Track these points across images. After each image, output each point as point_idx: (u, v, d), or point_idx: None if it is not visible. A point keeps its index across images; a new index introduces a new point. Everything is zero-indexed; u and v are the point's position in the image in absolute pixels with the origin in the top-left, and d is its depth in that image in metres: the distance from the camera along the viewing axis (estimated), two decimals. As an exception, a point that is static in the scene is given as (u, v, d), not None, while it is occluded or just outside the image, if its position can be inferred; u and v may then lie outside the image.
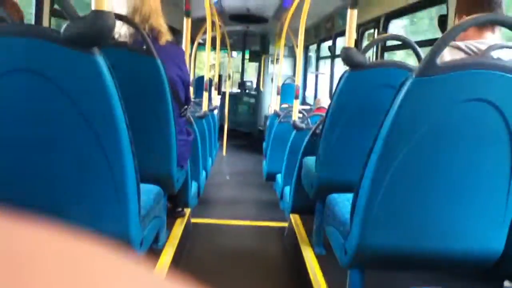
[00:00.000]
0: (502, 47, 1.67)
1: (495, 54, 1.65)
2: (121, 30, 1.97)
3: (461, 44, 1.72)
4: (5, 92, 1.17)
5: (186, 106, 2.37)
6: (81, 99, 1.17)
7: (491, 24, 1.72)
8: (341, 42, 5.70)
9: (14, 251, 0.15)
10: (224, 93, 8.36)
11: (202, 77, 6.21)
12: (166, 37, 2.08)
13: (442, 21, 2.35)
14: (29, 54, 1.15)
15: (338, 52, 5.79)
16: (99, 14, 1.12)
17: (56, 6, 2.63)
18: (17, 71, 1.15)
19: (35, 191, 1.28)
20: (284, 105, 5.62)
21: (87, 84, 1.17)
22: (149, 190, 1.75)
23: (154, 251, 2.25)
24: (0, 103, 1.18)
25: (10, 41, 1.14)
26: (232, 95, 9.04)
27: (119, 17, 1.84)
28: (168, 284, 0.17)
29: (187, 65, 2.46)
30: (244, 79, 10.03)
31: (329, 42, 6.09)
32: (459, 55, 1.68)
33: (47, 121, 1.21)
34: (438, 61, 1.19)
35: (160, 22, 2.10)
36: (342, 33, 5.45)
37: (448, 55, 1.68)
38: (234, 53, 9.98)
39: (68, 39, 1.12)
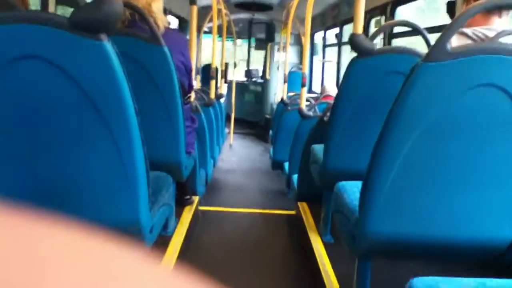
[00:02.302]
0: (510, 33, 1.66)
1: (503, 40, 1.64)
2: None
3: (468, 30, 1.70)
4: (13, 79, 1.17)
5: (189, 94, 2.37)
6: (89, 86, 1.17)
7: (498, 9, 1.71)
8: (347, 30, 5.66)
9: (23, 245, 0.15)
10: (230, 81, 8.35)
11: (208, 65, 6.20)
12: (164, 23, 2.06)
13: (451, 7, 2.32)
14: (37, 40, 1.15)
15: (344, 39, 5.76)
16: (106, 0, 1.12)
17: None
18: (25, 57, 1.15)
19: (44, 178, 1.29)
20: (291, 93, 5.60)
21: (96, 71, 1.17)
22: (158, 177, 1.76)
23: (163, 239, 2.27)
24: (8, 90, 1.19)
25: (18, 28, 1.14)
26: (238, 84, 9.02)
27: (126, 4, 1.84)
28: (176, 279, 0.17)
29: (194, 53, 2.46)
30: (250, 68, 10.00)
31: (336, 30, 6.05)
32: (466, 42, 1.67)
33: (56, 107, 1.21)
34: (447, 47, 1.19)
35: (160, 8, 2.09)
36: (348, 21, 5.41)
37: (455, 41, 1.67)
38: (239, 41, 9.94)
39: (75, 25, 1.12)
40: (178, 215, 2.61)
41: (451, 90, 1.19)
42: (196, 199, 2.96)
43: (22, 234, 0.16)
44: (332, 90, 4.64)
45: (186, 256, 2.38)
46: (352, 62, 1.97)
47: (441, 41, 1.17)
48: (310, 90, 7.25)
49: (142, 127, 1.28)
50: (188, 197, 2.86)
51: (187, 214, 2.70)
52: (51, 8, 2.65)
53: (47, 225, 0.17)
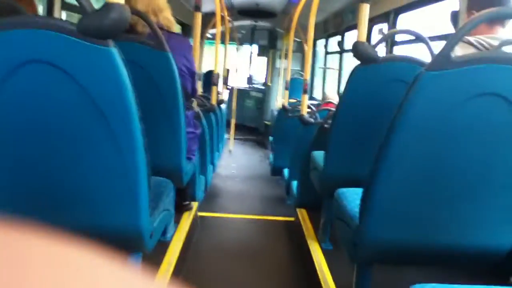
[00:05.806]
0: (514, 42, 1.66)
1: (507, 49, 1.64)
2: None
3: (472, 39, 1.71)
4: (20, 83, 1.17)
5: (192, 99, 2.38)
6: (95, 91, 1.18)
7: (501, 19, 1.72)
8: (350, 37, 5.67)
9: (12, 258, 0.15)
10: (232, 87, 8.36)
11: (211, 72, 6.22)
12: (175, 28, 2.11)
13: (454, 17, 2.33)
14: (44, 46, 1.15)
15: (346, 47, 5.77)
16: (113, 7, 1.12)
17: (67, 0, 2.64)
18: (32, 62, 1.15)
19: (47, 182, 1.29)
20: (292, 100, 5.60)
21: (102, 76, 1.18)
22: (159, 183, 1.75)
23: (162, 244, 2.26)
24: (15, 94, 1.19)
25: (25, 33, 1.14)
26: (239, 90, 9.04)
27: (132, 10, 1.85)
28: None
29: (197, 59, 2.47)
30: (252, 74, 10.04)
31: (338, 37, 6.06)
32: (470, 50, 1.67)
33: (61, 112, 1.21)
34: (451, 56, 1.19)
35: (170, 14, 2.12)
36: (351, 28, 5.42)
37: (459, 50, 1.67)
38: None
39: (82, 31, 1.13)
40: (177, 220, 2.61)
41: (453, 99, 1.19)
42: (195, 205, 2.95)
43: (11, 248, 0.16)
44: (334, 97, 4.64)
45: (185, 262, 2.37)
46: (355, 70, 1.97)
47: (445, 50, 1.17)
48: (311, 97, 7.26)
49: (145, 133, 1.28)
50: (187, 203, 2.85)
51: (186, 220, 2.69)
52: (57, 13, 2.66)
53: (36, 240, 0.17)
